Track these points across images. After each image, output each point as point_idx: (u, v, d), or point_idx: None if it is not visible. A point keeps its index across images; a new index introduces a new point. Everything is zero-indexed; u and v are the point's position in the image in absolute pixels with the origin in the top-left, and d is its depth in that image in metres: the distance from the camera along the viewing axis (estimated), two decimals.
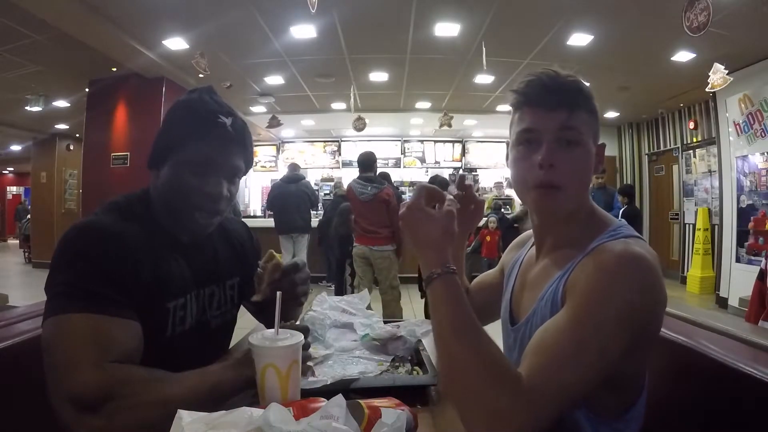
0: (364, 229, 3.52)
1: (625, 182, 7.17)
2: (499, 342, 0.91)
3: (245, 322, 1.08)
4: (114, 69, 4.78)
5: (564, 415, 0.59)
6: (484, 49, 4.22)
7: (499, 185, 8.05)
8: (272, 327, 0.68)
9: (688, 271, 6.04)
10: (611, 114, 7.05)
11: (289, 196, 5.14)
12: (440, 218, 0.65)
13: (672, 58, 4.43)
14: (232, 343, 1.03)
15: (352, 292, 3.24)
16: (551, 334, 0.58)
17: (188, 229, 0.87)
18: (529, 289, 0.77)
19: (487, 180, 8.79)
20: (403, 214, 0.66)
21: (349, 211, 4.95)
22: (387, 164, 8.46)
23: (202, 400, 0.65)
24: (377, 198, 3.44)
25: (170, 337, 0.80)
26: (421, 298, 3.99)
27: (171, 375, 0.69)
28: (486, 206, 6.78)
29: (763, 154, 4.52)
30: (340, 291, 4.75)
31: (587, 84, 0.71)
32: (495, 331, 0.86)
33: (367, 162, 3.62)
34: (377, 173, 3.74)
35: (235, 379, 0.70)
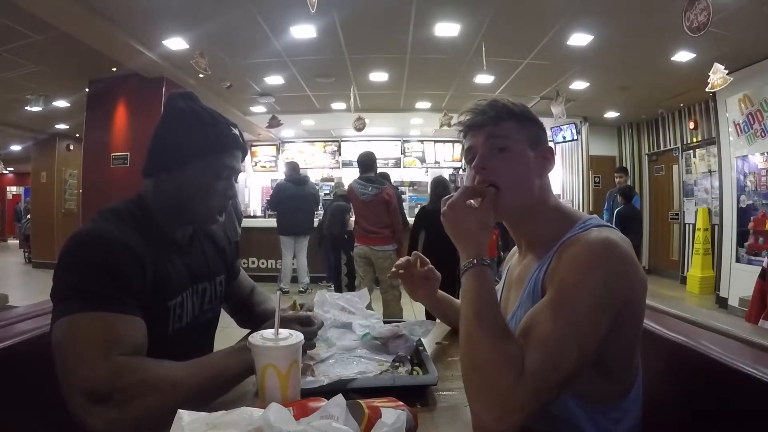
0: (365, 229, 3.52)
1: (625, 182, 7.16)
2: None
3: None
4: (114, 69, 4.77)
5: (559, 403, 0.64)
6: (484, 49, 4.21)
7: None
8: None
9: (688, 271, 6.03)
10: (611, 114, 7.04)
11: (298, 199, 5.15)
12: (478, 212, 0.73)
13: (672, 58, 4.42)
14: (217, 342, 1.03)
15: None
16: (539, 320, 0.63)
17: (199, 225, 0.95)
18: (515, 285, 0.84)
19: None
20: (445, 212, 0.75)
21: (342, 211, 4.94)
22: (387, 164, 8.45)
23: (207, 385, 0.69)
24: (378, 198, 3.44)
25: (171, 335, 0.83)
26: None
27: (176, 363, 0.71)
28: None
29: (763, 154, 4.51)
30: (338, 291, 4.75)
31: (519, 104, 0.82)
32: None
33: (367, 162, 3.62)
34: (377, 173, 3.74)
35: (238, 363, 0.73)
